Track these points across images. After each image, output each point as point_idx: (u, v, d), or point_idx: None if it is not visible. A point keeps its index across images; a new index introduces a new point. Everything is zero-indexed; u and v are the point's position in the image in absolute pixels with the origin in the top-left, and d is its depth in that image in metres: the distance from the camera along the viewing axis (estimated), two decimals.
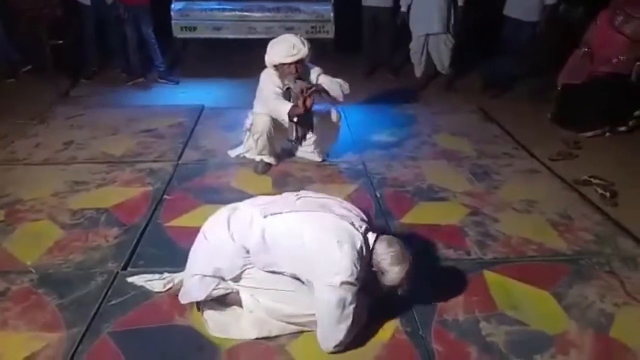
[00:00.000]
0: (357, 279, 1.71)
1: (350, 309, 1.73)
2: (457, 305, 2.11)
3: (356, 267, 1.70)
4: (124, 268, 2.29)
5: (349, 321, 1.76)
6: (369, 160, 3.48)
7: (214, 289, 1.88)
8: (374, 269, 1.78)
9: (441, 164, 3.46)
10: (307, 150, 3.42)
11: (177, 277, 2.09)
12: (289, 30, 5.40)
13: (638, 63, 3.93)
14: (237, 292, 1.91)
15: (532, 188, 3.14)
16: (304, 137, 3.07)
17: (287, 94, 3.00)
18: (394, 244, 1.80)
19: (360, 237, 1.77)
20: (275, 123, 3.14)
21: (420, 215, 2.81)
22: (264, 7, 5.49)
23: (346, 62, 5.68)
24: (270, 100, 3.02)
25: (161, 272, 2.20)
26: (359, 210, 1.93)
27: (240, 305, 1.93)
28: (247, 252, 1.83)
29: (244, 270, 1.88)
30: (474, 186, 3.16)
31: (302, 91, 2.89)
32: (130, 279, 2.18)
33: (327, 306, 1.73)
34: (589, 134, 4.03)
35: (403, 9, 4.93)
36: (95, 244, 2.47)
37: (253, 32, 5.46)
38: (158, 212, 2.77)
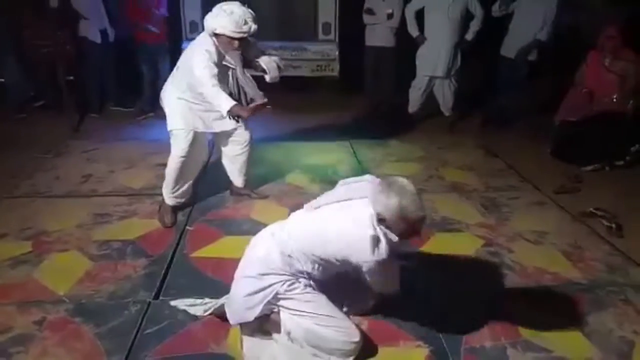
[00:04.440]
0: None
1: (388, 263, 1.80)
2: (483, 334, 2.18)
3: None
4: (156, 297, 2.34)
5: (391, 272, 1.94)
6: None
7: (262, 307, 1.90)
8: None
9: (452, 197, 3.58)
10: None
11: (218, 302, 2.13)
12: (296, 68, 5.62)
13: (631, 102, 4.17)
14: (278, 312, 1.93)
15: (541, 219, 3.26)
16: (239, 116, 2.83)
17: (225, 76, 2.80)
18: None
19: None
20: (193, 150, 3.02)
21: (437, 246, 2.90)
22: (271, 46, 5.66)
23: (350, 100, 5.89)
24: (206, 85, 2.63)
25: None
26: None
27: (278, 328, 1.95)
28: (289, 256, 1.87)
29: (293, 282, 1.89)
30: (486, 218, 3.27)
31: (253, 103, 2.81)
32: (173, 303, 2.24)
33: (370, 272, 1.83)
34: (589, 168, 4.19)
35: (416, 33, 4.88)
36: (124, 275, 2.51)
37: (260, 70, 5.63)
38: (182, 243, 2.83)
